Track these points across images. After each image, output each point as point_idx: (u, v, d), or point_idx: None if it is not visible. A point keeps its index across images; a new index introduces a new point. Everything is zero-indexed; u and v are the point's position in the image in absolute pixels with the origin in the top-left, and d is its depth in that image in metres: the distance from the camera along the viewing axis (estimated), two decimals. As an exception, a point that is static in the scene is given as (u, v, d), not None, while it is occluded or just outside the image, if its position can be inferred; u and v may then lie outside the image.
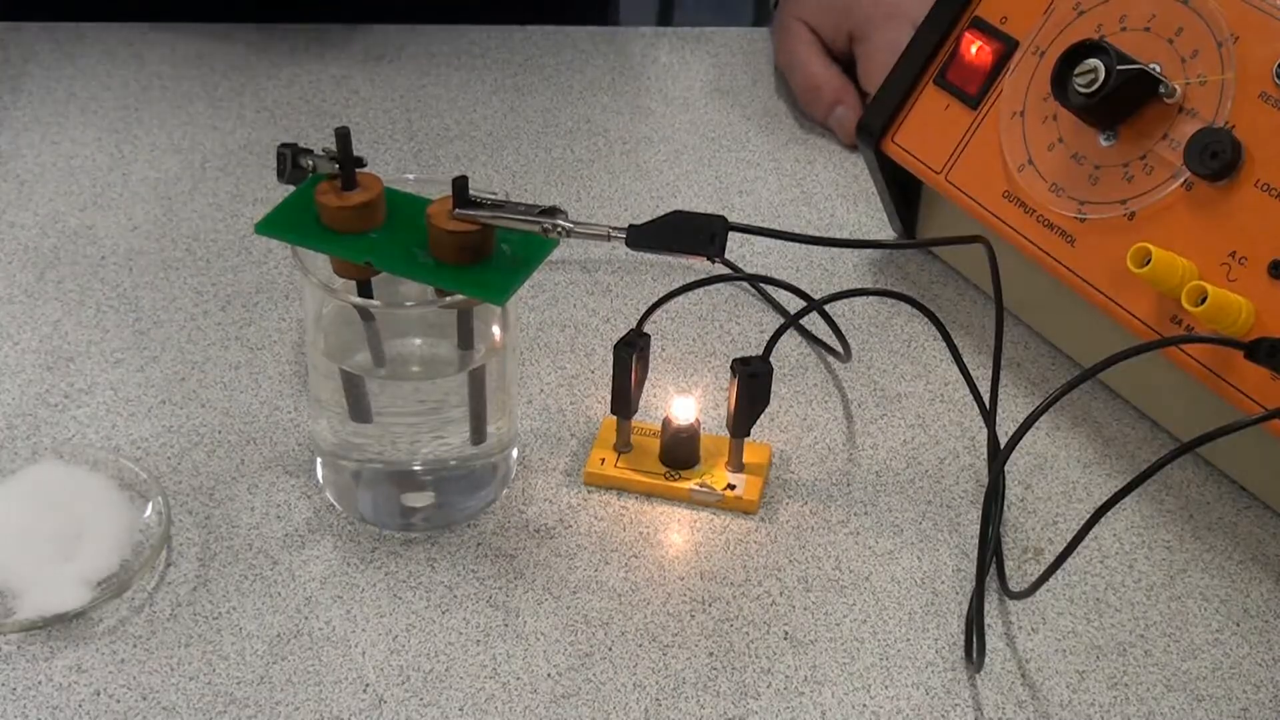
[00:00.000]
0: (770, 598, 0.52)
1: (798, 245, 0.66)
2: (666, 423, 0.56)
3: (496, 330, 0.53)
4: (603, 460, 0.57)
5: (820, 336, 0.63)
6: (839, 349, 0.62)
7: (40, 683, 0.48)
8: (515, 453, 0.56)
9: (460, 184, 0.48)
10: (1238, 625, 0.52)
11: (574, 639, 0.51)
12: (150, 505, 0.53)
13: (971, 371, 0.57)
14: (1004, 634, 0.52)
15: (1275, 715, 0.49)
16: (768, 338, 0.54)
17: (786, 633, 0.51)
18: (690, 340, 0.64)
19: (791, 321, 0.55)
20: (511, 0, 0.90)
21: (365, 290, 0.51)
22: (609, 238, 0.50)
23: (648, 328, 0.56)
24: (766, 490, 0.56)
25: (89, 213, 0.70)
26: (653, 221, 0.50)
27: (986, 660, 0.50)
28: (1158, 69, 0.55)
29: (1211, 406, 0.54)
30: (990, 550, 0.53)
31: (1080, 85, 0.55)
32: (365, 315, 0.51)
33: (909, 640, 0.51)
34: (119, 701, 0.48)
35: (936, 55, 0.63)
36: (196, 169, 0.73)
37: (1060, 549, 0.46)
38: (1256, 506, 0.57)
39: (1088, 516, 0.45)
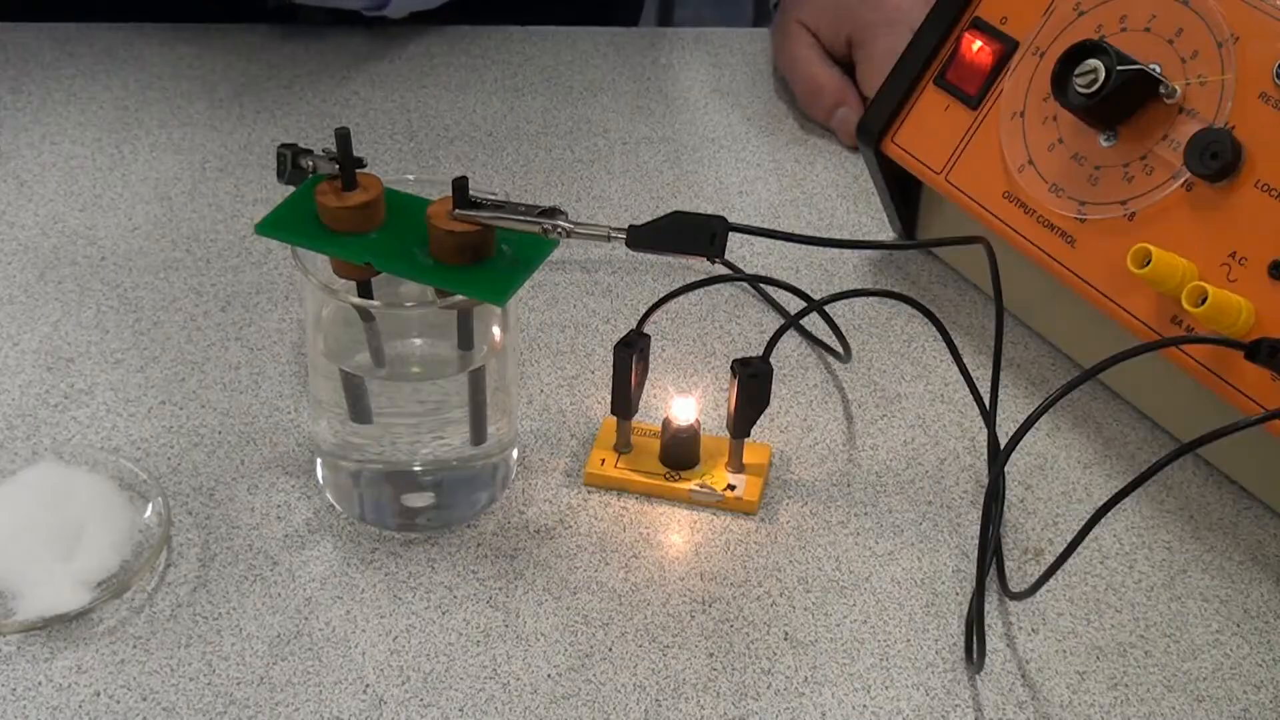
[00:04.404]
0: (770, 598, 0.52)
1: (798, 246, 0.66)
2: (666, 423, 0.56)
3: (496, 331, 0.53)
4: (603, 461, 0.57)
5: (820, 337, 0.63)
6: (839, 349, 0.62)
7: (40, 683, 0.48)
8: (515, 453, 0.56)
9: (460, 184, 0.48)
10: (1238, 626, 0.52)
11: (574, 639, 0.51)
12: (150, 505, 0.53)
13: (971, 371, 0.57)
14: (1004, 634, 0.52)
15: (1275, 716, 0.49)
16: (768, 338, 0.54)
17: (786, 633, 0.51)
18: (690, 340, 0.64)
19: (791, 322, 0.55)
20: (550, 3, 0.90)
21: (365, 291, 0.51)
22: (609, 238, 0.50)
23: (648, 328, 0.56)
24: (766, 491, 0.56)
25: (89, 213, 0.70)
26: (653, 222, 0.50)
27: (987, 661, 0.50)
28: (1158, 69, 0.55)
29: (1211, 406, 0.54)
30: (990, 551, 0.53)
31: (1080, 86, 0.55)
32: (365, 316, 0.51)
33: (909, 641, 0.51)
34: (119, 702, 0.48)
35: (936, 56, 0.63)
36: (196, 169, 0.73)
37: (1060, 549, 0.46)
38: (1256, 506, 0.57)
39: (1088, 517, 0.45)
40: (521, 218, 0.49)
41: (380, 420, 0.52)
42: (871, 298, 0.66)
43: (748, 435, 0.56)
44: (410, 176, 0.52)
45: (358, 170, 0.49)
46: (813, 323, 0.64)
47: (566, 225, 0.49)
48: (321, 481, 0.55)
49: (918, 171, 0.64)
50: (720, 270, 0.65)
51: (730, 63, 0.85)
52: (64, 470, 0.54)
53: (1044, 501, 0.57)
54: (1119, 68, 0.54)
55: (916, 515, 0.56)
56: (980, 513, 0.54)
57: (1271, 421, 0.47)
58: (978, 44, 0.62)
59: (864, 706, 0.49)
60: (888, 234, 0.71)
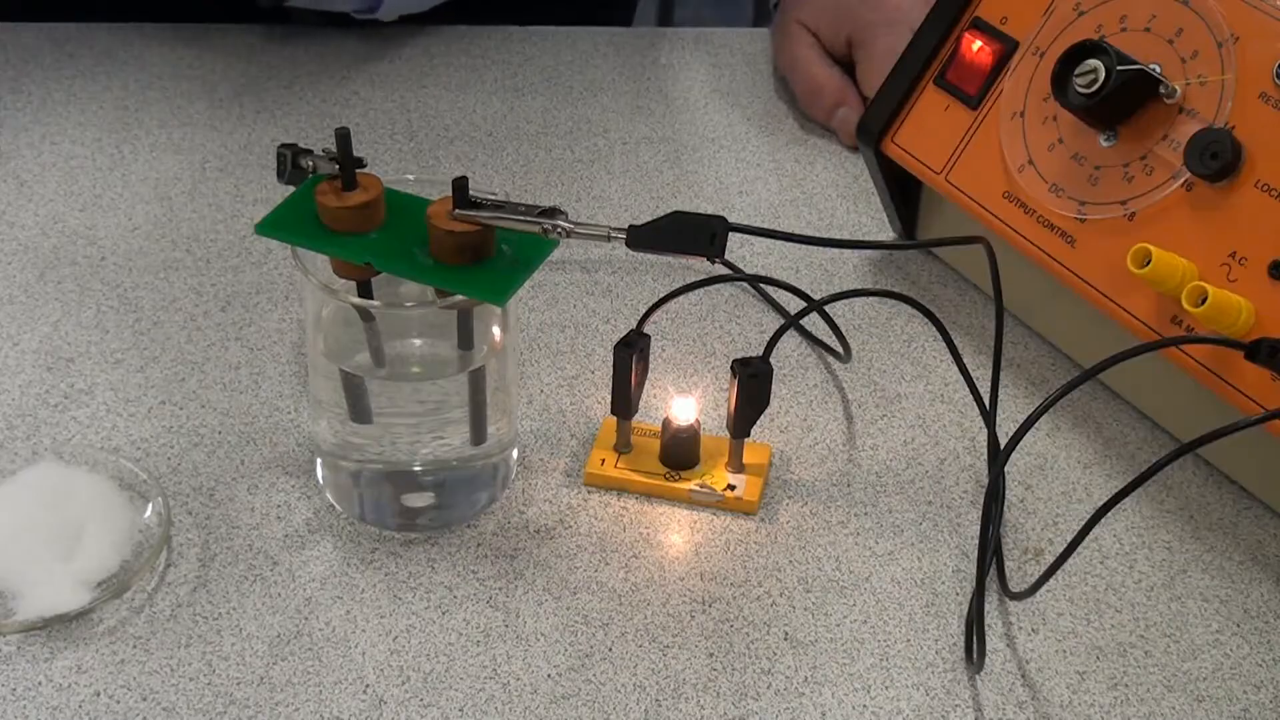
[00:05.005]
0: (770, 598, 0.52)
1: (798, 246, 0.66)
2: (666, 423, 0.56)
3: (496, 331, 0.53)
4: (603, 461, 0.57)
5: (820, 337, 0.63)
6: (839, 349, 0.62)
7: (40, 683, 0.48)
8: (515, 453, 0.56)
9: (460, 184, 0.48)
10: (1238, 626, 0.52)
11: (574, 639, 0.51)
12: (150, 505, 0.53)
13: (971, 371, 0.57)
14: (1004, 634, 0.52)
15: (1275, 716, 0.49)
16: (768, 338, 0.54)
17: (786, 633, 0.51)
18: (690, 340, 0.64)
19: (791, 322, 0.55)
20: (547, 3, 0.90)
21: (365, 291, 0.51)
22: (609, 238, 0.50)
23: (648, 328, 0.56)
24: (766, 491, 0.56)
25: (89, 213, 0.70)
26: (653, 222, 0.50)
27: (987, 661, 0.50)
28: (1158, 69, 0.55)
29: (1211, 406, 0.54)
30: (990, 551, 0.53)
31: (1080, 86, 0.55)
32: (365, 316, 0.51)
33: (909, 641, 0.51)
34: (119, 702, 0.48)
35: (936, 55, 0.63)
36: (196, 169, 0.73)
37: (1060, 549, 0.46)
38: (1256, 506, 0.57)
39: (1088, 517, 0.45)
40: (521, 218, 0.49)
41: (380, 420, 0.52)
42: (871, 298, 0.66)
43: (748, 435, 0.56)
44: (410, 176, 0.52)
45: (358, 170, 0.49)
46: (813, 323, 0.64)
47: (566, 225, 0.49)
48: (321, 481, 0.55)
49: (918, 171, 0.64)
50: (720, 270, 0.65)
51: (730, 63, 0.85)
52: (64, 470, 0.54)
53: (1044, 501, 0.57)
54: (1119, 68, 0.54)
55: (916, 515, 0.56)
56: (980, 513, 0.54)
57: (1271, 421, 0.47)
58: (978, 44, 0.62)
59: (864, 706, 0.49)
60: (888, 234, 0.71)
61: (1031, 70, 0.60)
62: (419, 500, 0.54)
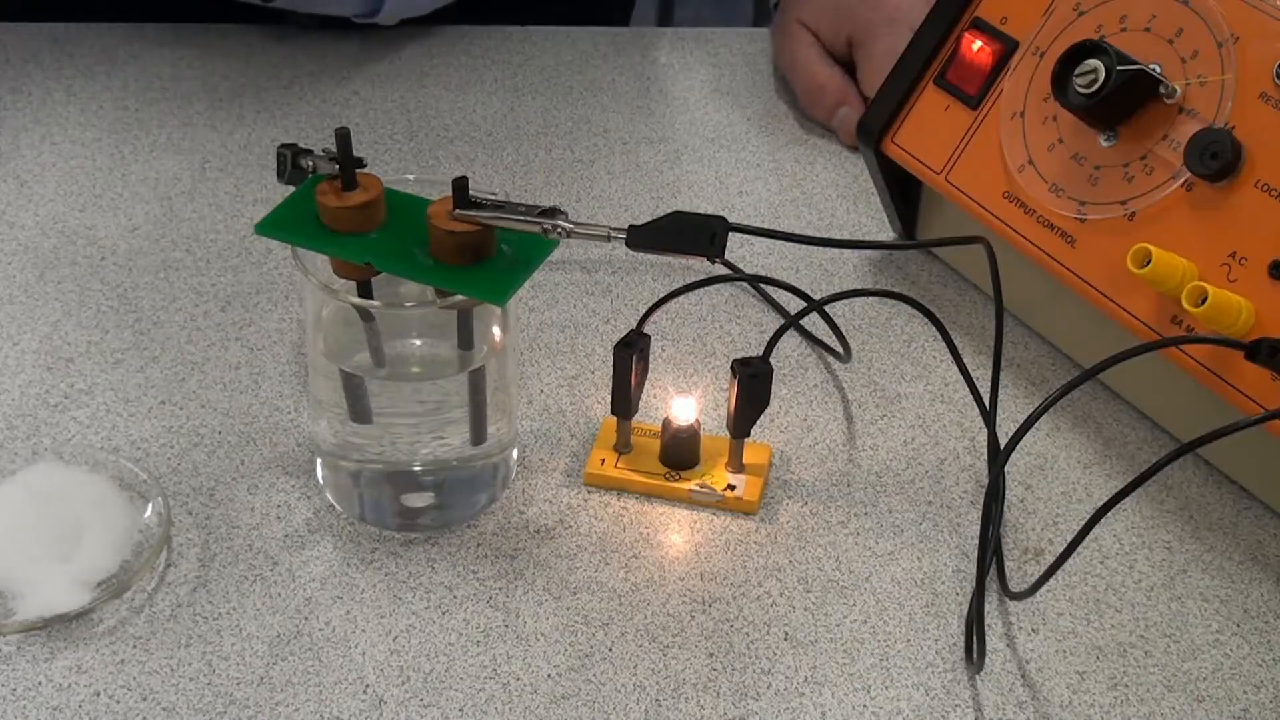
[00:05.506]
0: (770, 598, 0.52)
1: (798, 246, 0.66)
2: (666, 423, 0.56)
3: (496, 331, 0.53)
4: (603, 461, 0.57)
5: (820, 337, 0.63)
6: (839, 349, 0.62)
7: (40, 683, 0.48)
8: (515, 453, 0.56)
9: (460, 184, 0.48)
10: (1238, 626, 0.52)
11: (574, 639, 0.51)
12: (150, 506, 0.53)
13: (971, 371, 0.57)
14: (1004, 634, 0.52)
15: (1275, 716, 0.49)
16: (768, 338, 0.54)
17: (786, 633, 0.51)
18: (690, 340, 0.64)
19: (791, 322, 0.55)
20: (541, 3, 0.90)
21: (365, 291, 0.51)
22: (609, 238, 0.50)
23: (648, 328, 0.56)
24: (766, 491, 0.56)
25: (89, 213, 0.70)
26: (653, 222, 0.50)
27: (987, 661, 0.50)
28: (1158, 69, 0.55)
29: (1211, 406, 0.54)
30: (990, 551, 0.53)
31: (1080, 86, 0.55)
32: (365, 316, 0.51)
33: (909, 641, 0.51)
34: (119, 702, 0.48)
35: (937, 55, 0.63)
36: (196, 169, 0.73)
37: (1060, 549, 0.46)
38: (1256, 506, 0.57)
39: (1088, 517, 0.45)
40: (521, 218, 0.49)
41: (380, 420, 0.52)
42: (871, 298, 0.66)
43: (748, 435, 0.56)
44: (410, 176, 0.52)
45: (358, 170, 0.49)
46: (813, 323, 0.64)
47: (566, 225, 0.49)
48: (321, 481, 0.55)
49: (918, 171, 0.64)
50: (720, 270, 0.65)
51: (730, 63, 0.85)
52: (64, 470, 0.54)
53: (1044, 501, 0.57)
54: (1119, 68, 0.54)
55: (916, 515, 0.56)
56: (980, 513, 0.54)
57: (1271, 421, 0.47)
58: (978, 44, 0.62)
59: (864, 706, 0.49)
60: (888, 234, 0.71)
61: (1031, 70, 0.60)
62: (419, 500, 0.54)
